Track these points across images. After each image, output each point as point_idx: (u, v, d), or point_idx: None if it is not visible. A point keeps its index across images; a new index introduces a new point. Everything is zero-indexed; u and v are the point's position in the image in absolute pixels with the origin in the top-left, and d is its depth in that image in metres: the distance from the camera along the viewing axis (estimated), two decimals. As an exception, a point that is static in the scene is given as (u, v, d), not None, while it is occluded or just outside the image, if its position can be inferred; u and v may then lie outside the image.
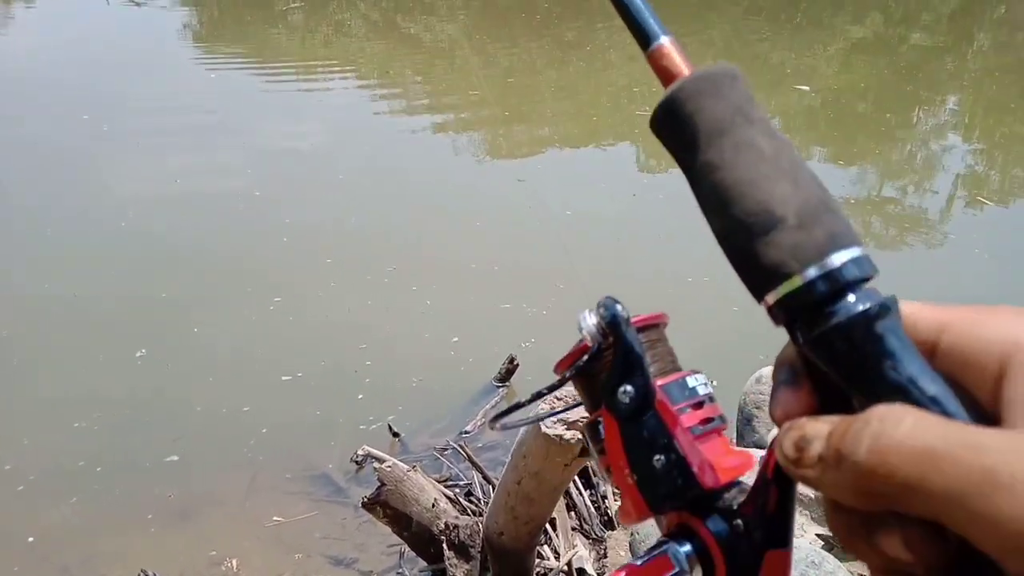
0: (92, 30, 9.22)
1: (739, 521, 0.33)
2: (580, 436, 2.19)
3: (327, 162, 4.77)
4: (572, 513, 2.21)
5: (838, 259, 0.29)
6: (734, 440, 2.35)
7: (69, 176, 4.34)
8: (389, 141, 5.23)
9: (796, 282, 0.29)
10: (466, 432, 2.58)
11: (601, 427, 0.36)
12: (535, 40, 8.98)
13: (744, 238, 0.30)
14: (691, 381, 0.36)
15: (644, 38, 0.37)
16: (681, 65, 0.35)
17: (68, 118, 5.32)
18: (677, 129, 0.33)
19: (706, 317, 2.91)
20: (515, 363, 2.72)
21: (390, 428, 2.54)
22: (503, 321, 2.88)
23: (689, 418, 0.35)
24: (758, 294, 0.31)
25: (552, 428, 2.04)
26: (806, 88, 6.67)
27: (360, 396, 2.51)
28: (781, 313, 0.30)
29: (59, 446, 2.26)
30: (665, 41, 0.36)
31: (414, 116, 5.81)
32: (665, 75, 0.35)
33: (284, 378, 2.55)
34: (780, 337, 0.30)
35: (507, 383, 2.74)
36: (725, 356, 2.62)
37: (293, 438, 2.36)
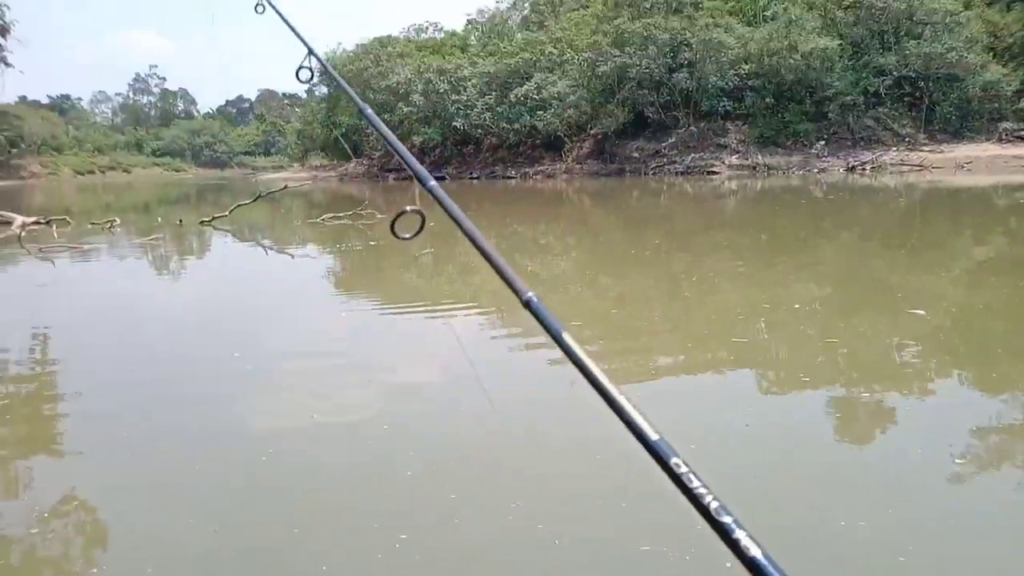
0: (251, 277, 10.54)
1: None
2: None
3: (450, 396, 4.95)
4: None
5: None
6: None
7: (220, 414, 4.70)
8: (509, 373, 5.41)
9: None
10: None
11: None
12: (644, 272, 9.39)
13: None
14: None
15: None
16: None
17: (221, 357, 5.90)
18: None
19: (866, 570, 2.62)
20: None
21: None
22: (643, 565, 2.71)
23: None
24: None
25: None
26: (921, 312, 6.43)
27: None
28: None
29: None
30: None
31: (531, 346, 6.02)
32: None
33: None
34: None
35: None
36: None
37: None
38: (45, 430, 4.44)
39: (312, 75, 1.90)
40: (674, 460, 0.64)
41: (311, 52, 1.87)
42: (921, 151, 28.64)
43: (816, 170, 28.91)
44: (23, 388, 5.15)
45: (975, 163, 26.49)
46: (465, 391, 4.96)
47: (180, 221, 18.11)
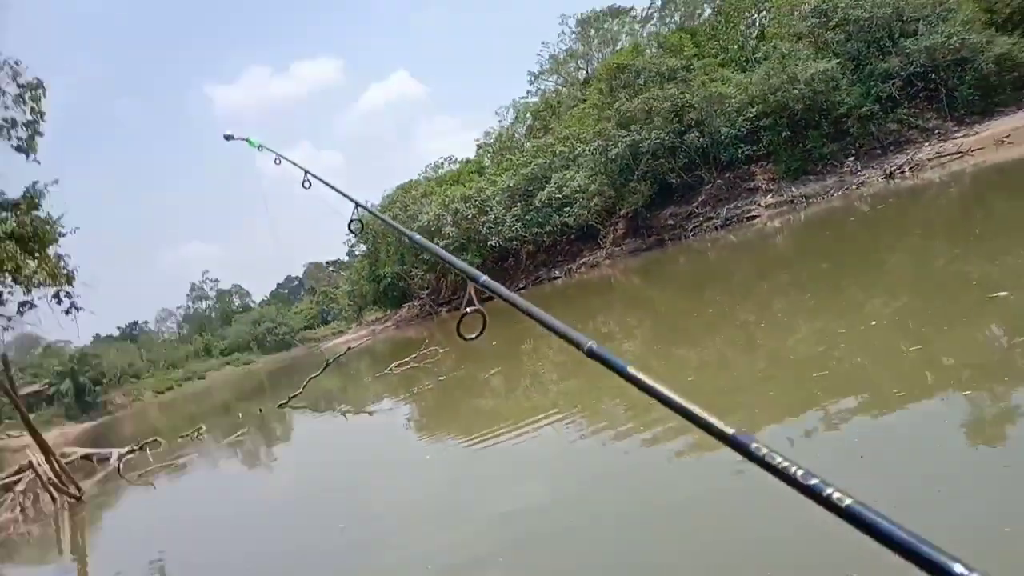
0: (337, 445, 10.66)
1: None
2: None
3: (556, 512, 4.79)
4: None
5: None
6: None
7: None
8: (606, 473, 5.20)
9: None
10: None
11: None
12: (713, 332, 9.16)
13: None
14: None
15: None
16: None
17: (328, 533, 5.88)
18: None
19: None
20: None
21: None
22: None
23: None
24: None
25: None
26: (1004, 293, 6.04)
27: None
28: None
29: None
30: None
31: (623, 440, 5.82)
32: None
33: None
34: None
35: None
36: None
37: None
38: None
39: (362, 226, 2.36)
40: (754, 445, 0.68)
41: (358, 205, 2.22)
42: (955, 138, 27.94)
43: (855, 186, 28.38)
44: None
45: (1014, 134, 25.59)
46: (570, 511, 4.77)
47: (260, 410, 18.69)
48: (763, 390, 5.90)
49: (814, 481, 0.61)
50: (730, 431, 0.72)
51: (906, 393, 4.63)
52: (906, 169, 27.37)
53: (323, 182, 2.53)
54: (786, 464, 0.64)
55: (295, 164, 2.72)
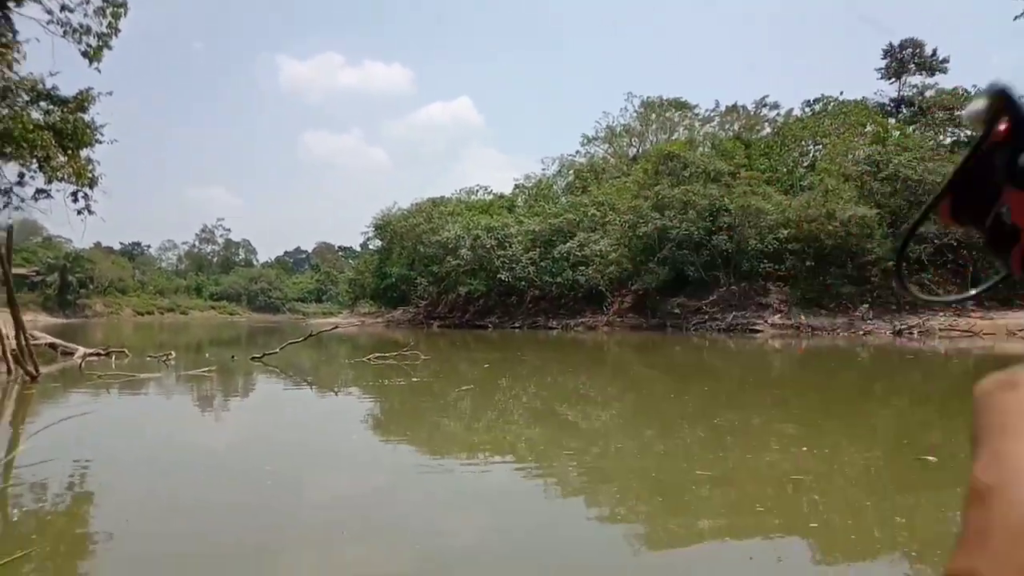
0: (294, 416, 10.62)
1: None
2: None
3: (493, 552, 4.71)
4: None
5: None
6: None
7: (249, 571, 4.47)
8: (549, 531, 5.16)
9: None
10: None
11: (1007, 215, 0.32)
12: (689, 424, 9.22)
13: None
14: None
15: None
16: None
17: (254, 505, 5.75)
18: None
19: None
20: None
21: None
22: None
23: None
24: None
25: None
26: (932, 459, 6.25)
27: None
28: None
29: None
30: None
31: (570, 502, 5.80)
32: None
33: None
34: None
35: None
36: None
37: None
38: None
39: None
40: None
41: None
42: (970, 317, 28.25)
43: (862, 332, 28.64)
44: (56, 523, 5.08)
45: (1027, 330, 25.95)
46: (504, 548, 4.73)
47: (232, 357, 18.69)
48: (717, 492, 5.97)
49: None
50: None
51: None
52: (915, 331, 27.64)
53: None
54: None
55: None
